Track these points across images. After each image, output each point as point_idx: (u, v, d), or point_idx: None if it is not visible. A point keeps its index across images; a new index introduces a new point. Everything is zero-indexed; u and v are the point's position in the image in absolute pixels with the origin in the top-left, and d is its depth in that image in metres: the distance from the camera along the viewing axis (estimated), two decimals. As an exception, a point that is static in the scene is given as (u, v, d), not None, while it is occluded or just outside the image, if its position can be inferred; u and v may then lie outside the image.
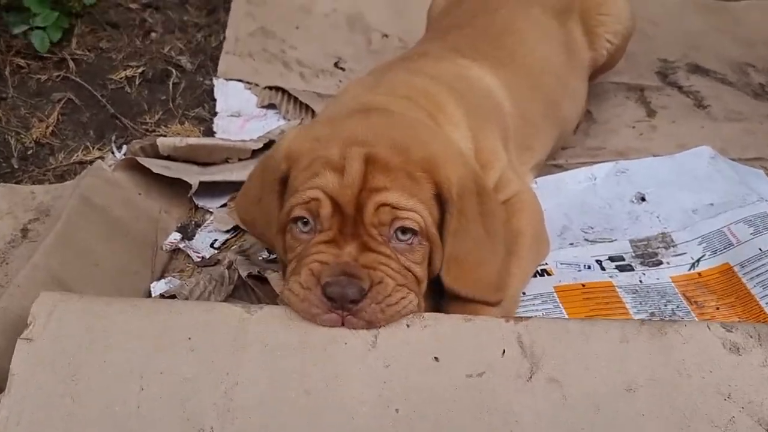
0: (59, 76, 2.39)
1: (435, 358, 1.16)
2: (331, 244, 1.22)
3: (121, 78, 2.41)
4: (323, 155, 1.26)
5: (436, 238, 1.27)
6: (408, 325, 1.19)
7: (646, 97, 2.34)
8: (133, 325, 1.16)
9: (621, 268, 1.62)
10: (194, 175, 1.89)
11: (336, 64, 2.53)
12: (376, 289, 1.17)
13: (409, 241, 1.25)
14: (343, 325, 1.17)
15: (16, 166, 2.12)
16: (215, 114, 2.33)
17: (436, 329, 1.19)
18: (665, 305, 1.51)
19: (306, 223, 1.26)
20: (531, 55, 1.83)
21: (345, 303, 1.15)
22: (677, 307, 1.51)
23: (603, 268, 1.62)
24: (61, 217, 1.60)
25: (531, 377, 1.15)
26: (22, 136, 2.20)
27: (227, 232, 1.85)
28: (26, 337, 1.14)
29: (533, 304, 1.51)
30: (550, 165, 2.02)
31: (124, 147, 2.10)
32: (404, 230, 1.24)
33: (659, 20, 2.75)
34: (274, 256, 1.67)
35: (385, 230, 1.23)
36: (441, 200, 1.28)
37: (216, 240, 1.83)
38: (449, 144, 1.38)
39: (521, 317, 1.22)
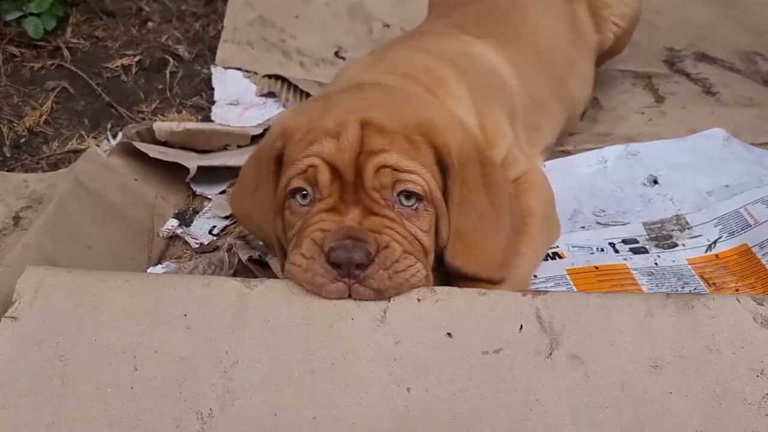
0: (53, 64, 2.34)
1: (448, 333, 1.09)
2: (333, 212, 1.16)
3: (117, 66, 2.35)
4: (318, 125, 1.21)
5: (442, 204, 1.21)
6: (419, 299, 1.12)
7: (653, 84, 2.29)
8: (125, 302, 1.09)
9: (635, 251, 1.56)
10: (192, 160, 1.83)
11: (336, 54, 2.47)
12: (383, 253, 1.10)
13: (414, 207, 1.19)
14: (350, 296, 1.10)
15: (8, 155, 2.06)
16: (213, 103, 2.27)
17: (448, 303, 1.12)
18: (682, 287, 1.45)
19: (305, 196, 1.20)
20: (537, 32, 1.78)
21: (351, 269, 1.08)
22: (694, 288, 1.45)
23: (616, 251, 1.56)
24: (54, 200, 1.53)
25: (551, 354, 1.07)
26: (14, 124, 2.14)
27: (226, 218, 1.79)
28: (11, 315, 1.07)
29: (545, 287, 1.44)
30: (557, 151, 1.96)
31: (120, 135, 2.04)
32: (408, 194, 1.18)
33: (663, 10, 2.70)
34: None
35: (387, 193, 1.17)
36: (442, 167, 1.22)
37: (215, 227, 1.77)
38: (447, 112, 1.33)
39: (538, 291, 1.15)
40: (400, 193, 1.17)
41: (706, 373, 1.04)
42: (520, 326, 1.10)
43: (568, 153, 1.95)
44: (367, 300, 1.11)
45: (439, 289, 1.15)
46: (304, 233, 1.16)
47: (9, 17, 2.30)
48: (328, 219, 1.15)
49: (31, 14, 2.29)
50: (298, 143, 1.22)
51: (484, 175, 1.28)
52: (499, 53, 1.67)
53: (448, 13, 1.83)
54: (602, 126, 2.10)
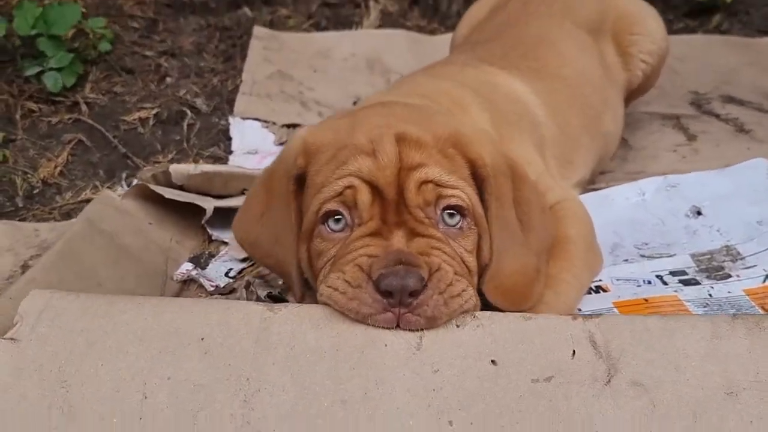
0: (71, 119, 2.32)
1: (492, 361, 0.98)
2: (376, 236, 1.05)
3: (134, 119, 2.33)
4: (350, 143, 1.12)
5: (483, 220, 1.12)
6: (457, 325, 1.01)
7: (683, 123, 2.22)
8: (136, 325, 0.98)
9: (685, 282, 1.44)
10: (208, 202, 1.76)
11: (355, 104, 2.44)
12: (436, 276, 1.00)
13: (458, 225, 1.10)
14: (398, 326, 0.99)
15: (20, 205, 2.00)
16: (230, 153, 2.22)
17: (491, 329, 1.01)
18: (743, 318, 1.32)
19: (338, 221, 1.11)
20: (567, 66, 1.73)
21: (404, 297, 0.97)
22: (758, 320, 1.31)
23: (665, 283, 1.44)
24: (63, 238, 1.45)
25: (609, 381, 0.95)
26: (29, 175, 2.09)
27: (243, 261, 1.69)
28: (10, 337, 0.96)
29: (592, 320, 1.32)
30: (589, 189, 1.87)
31: (135, 181, 1.98)
32: (452, 210, 1.09)
33: (686, 57, 2.68)
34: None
35: (431, 211, 1.08)
36: (477, 182, 1.14)
37: (231, 269, 1.67)
38: (474, 124, 1.27)
39: (590, 314, 1.04)
40: (444, 209, 1.09)
41: (792, 399, 0.91)
42: (572, 352, 0.99)
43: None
44: (417, 330, 1.00)
45: (479, 314, 1.05)
46: (344, 259, 1.05)
47: (28, 72, 2.30)
48: (373, 244, 1.04)
49: (51, 69, 2.28)
50: (328, 163, 1.13)
51: (514, 190, 1.20)
52: (525, 83, 1.63)
53: (471, 49, 1.80)
54: (634, 165, 2.02)
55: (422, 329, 0.99)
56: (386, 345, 0.99)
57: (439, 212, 1.08)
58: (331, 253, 1.11)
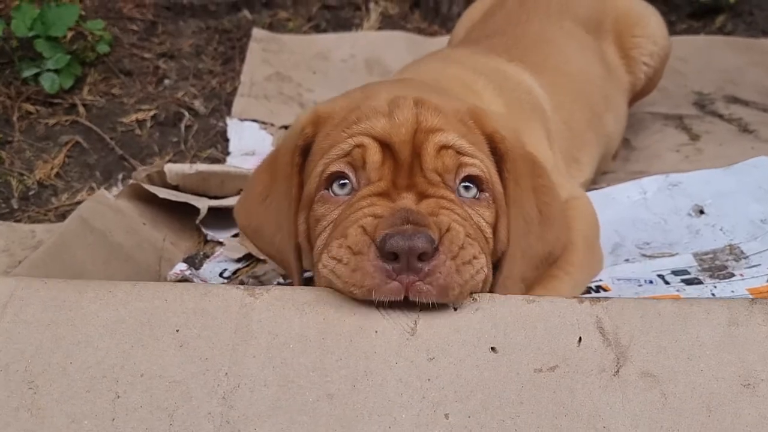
0: (68, 120, 2.30)
1: (492, 348, 0.92)
2: (384, 197, 0.96)
3: (131, 121, 2.31)
4: (364, 105, 1.03)
5: (502, 199, 1.04)
6: (455, 308, 0.94)
7: (685, 124, 2.19)
8: (107, 316, 0.92)
9: (688, 282, 1.41)
10: (203, 202, 1.73)
11: (355, 105, 2.42)
12: (447, 237, 0.90)
13: (476, 197, 1.01)
14: (406, 298, 0.88)
15: (15, 207, 1.98)
16: (228, 154, 2.21)
17: (491, 312, 0.94)
18: (748, 317, 1.28)
19: (344, 185, 1.00)
20: (569, 63, 1.71)
21: (412, 260, 0.86)
22: (762, 319, 1.28)
23: (667, 282, 1.41)
24: (55, 234, 1.43)
25: (618, 371, 0.90)
26: (24, 177, 2.07)
27: (238, 261, 1.67)
28: None
29: (592, 319, 1.29)
30: (592, 188, 1.84)
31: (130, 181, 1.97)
32: (470, 182, 1.00)
33: (689, 58, 2.65)
34: (290, 281, 1.48)
35: (449, 178, 0.99)
36: (495, 158, 1.07)
37: (225, 269, 1.64)
38: (491, 108, 1.21)
39: (598, 298, 0.97)
40: (464, 179, 1.00)
41: (811, 393, 0.86)
42: (578, 339, 0.93)
43: (602, 190, 1.83)
44: (426, 301, 0.89)
45: (479, 295, 0.97)
46: (348, 220, 0.94)
47: (26, 74, 2.29)
48: (379, 204, 0.94)
49: (48, 70, 2.27)
50: (337, 125, 1.03)
51: (534, 177, 1.12)
52: (532, 76, 1.59)
53: (475, 43, 1.77)
54: (636, 164, 1.99)
55: (435, 301, 0.89)
56: (377, 332, 0.92)
57: (457, 181, 1.00)
58: (332, 216, 1.01)
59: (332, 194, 1.01)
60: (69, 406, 0.87)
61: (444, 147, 0.98)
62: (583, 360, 0.90)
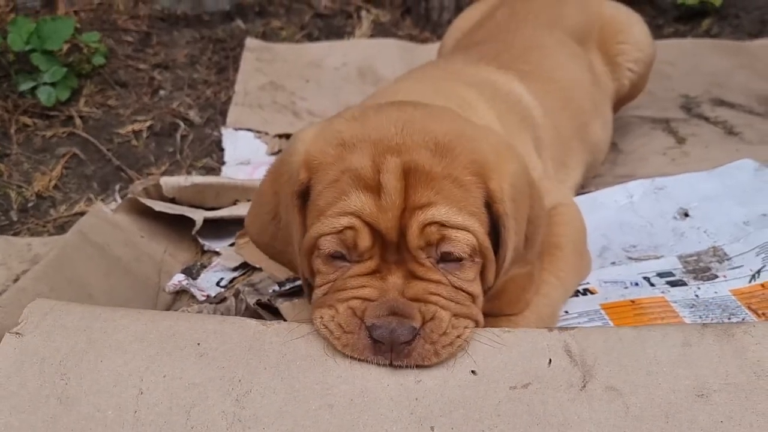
0: (65, 132, 2.34)
1: (472, 371, 1.00)
2: (373, 276, 1.04)
3: (128, 132, 2.35)
4: (352, 168, 1.05)
5: (490, 252, 1.08)
6: None
7: (672, 127, 2.23)
8: (137, 329, 1.03)
9: (672, 284, 1.45)
10: (199, 213, 1.77)
11: (348, 113, 2.46)
12: (429, 326, 1.00)
13: (460, 262, 1.07)
14: (391, 364, 1.01)
15: (14, 219, 2.02)
16: (223, 164, 2.25)
17: (472, 344, 1.04)
18: (728, 318, 1.32)
19: (339, 256, 1.08)
20: (558, 70, 1.75)
21: (395, 346, 0.98)
22: (743, 319, 1.32)
23: (652, 284, 1.45)
24: (55, 248, 1.46)
25: (585, 386, 0.98)
26: (23, 189, 2.11)
27: (235, 270, 1.70)
28: (16, 332, 1.01)
29: (578, 322, 1.33)
30: (579, 193, 1.88)
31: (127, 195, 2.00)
32: (450, 257, 1.06)
33: (676, 61, 2.70)
34: (286, 288, 1.52)
35: (432, 251, 1.05)
36: (491, 208, 1.09)
37: (222, 278, 1.68)
38: (497, 138, 1.18)
39: (566, 327, 1.07)
40: (443, 254, 1.05)
41: (759, 401, 0.94)
42: (549, 360, 1.02)
43: (590, 194, 1.87)
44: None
45: None
46: (340, 295, 1.04)
47: (23, 87, 2.33)
48: (369, 285, 1.03)
49: (45, 83, 2.31)
50: (329, 187, 1.07)
51: (530, 207, 1.17)
52: (522, 84, 1.63)
53: (464, 52, 1.81)
54: (623, 168, 2.03)
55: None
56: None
57: (439, 252, 1.05)
58: (331, 278, 1.09)
59: (330, 259, 1.09)
60: (96, 397, 0.95)
61: (428, 224, 1.03)
62: (554, 378, 0.98)
